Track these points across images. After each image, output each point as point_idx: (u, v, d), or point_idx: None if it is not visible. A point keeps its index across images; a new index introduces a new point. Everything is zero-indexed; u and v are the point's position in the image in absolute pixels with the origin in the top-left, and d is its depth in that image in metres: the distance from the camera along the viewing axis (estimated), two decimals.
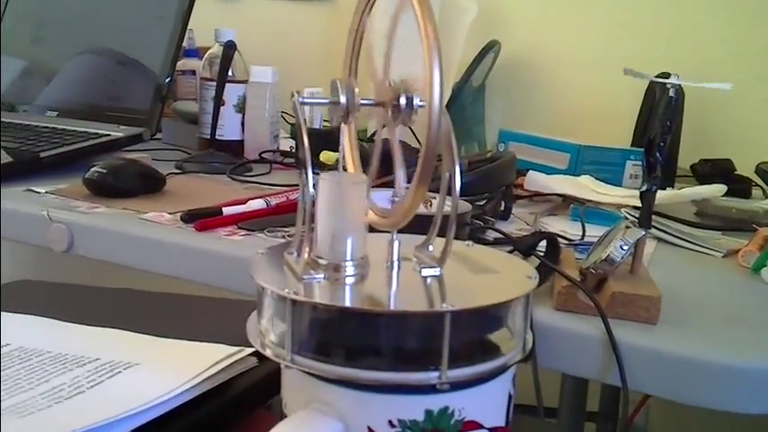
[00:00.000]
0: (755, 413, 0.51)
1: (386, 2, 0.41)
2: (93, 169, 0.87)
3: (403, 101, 0.36)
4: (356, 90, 0.38)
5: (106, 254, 0.77)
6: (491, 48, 1.28)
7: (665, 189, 1.01)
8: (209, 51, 1.16)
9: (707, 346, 0.53)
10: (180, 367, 0.46)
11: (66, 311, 0.57)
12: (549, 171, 1.04)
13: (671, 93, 0.63)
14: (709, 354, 0.52)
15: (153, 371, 0.47)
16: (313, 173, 0.38)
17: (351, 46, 0.42)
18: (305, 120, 0.38)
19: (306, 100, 0.38)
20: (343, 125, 0.40)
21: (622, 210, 0.89)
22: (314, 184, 0.38)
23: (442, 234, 0.40)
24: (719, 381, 0.52)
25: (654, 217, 0.88)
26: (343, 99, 0.37)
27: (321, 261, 0.39)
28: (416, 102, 0.37)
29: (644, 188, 0.64)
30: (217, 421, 0.47)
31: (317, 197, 0.38)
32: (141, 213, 0.80)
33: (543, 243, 0.66)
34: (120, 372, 0.47)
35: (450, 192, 0.38)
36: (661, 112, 0.64)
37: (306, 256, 0.39)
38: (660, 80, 0.64)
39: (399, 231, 0.41)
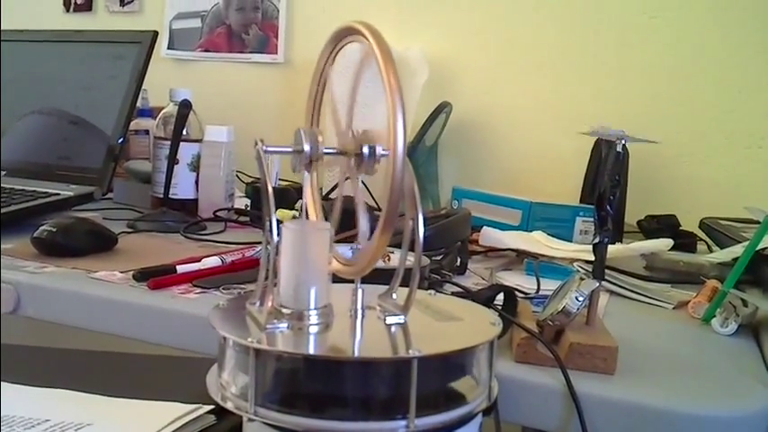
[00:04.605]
0: None
1: (349, 57, 0.42)
2: (41, 228, 0.85)
3: (366, 150, 0.37)
4: (320, 139, 0.38)
5: (55, 314, 0.75)
6: (443, 109, 1.31)
7: (614, 244, 1.03)
8: (164, 111, 1.16)
9: (665, 395, 0.54)
10: (133, 427, 0.45)
11: (15, 373, 0.55)
12: (501, 227, 1.05)
13: (618, 147, 0.65)
14: (668, 403, 0.53)
15: (105, 431, 0.45)
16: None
17: (313, 96, 0.42)
18: (268, 167, 0.38)
19: (270, 149, 0.38)
20: (306, 173, 0.40)
21: (575, 264, 0.91)
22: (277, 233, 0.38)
23: (404, 284, 0.40)
24: (678, 428, 0.52)
25: (605, 270, 0.90)
26: (306, 147, 0.38)
27: (284, 310, 0.38)
28: (379, 151, 0.37)
29: (596, 240, 0.66)
30: None
31: (280, 245, 0.37)
32: (92, 272, 0.78)
33: (501, 296, 0.67)
34: None
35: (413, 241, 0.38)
36: (610, 167, 0.66)
37: (269, 305, 0.39)
38: (610, 135, 0.66)
39: (363, 283, 0.40)
